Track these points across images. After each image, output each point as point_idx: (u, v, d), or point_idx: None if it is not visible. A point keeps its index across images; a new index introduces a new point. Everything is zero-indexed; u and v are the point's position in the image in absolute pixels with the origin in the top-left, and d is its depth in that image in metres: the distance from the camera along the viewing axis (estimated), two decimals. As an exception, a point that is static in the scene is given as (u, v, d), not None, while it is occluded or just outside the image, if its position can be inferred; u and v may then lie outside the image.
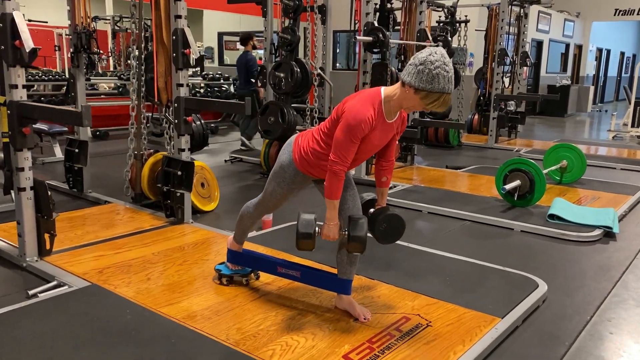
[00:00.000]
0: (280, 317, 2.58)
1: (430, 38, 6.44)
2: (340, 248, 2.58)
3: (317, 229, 2.47)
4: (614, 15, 16.70)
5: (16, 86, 2.99)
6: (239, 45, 15.54)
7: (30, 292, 2.81)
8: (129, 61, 4.83)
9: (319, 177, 2.58)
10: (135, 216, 4.20)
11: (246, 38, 7.52)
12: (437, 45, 7.04)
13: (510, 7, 8.61)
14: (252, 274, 2.99)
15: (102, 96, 9.79)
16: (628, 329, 2.73)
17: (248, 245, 3.37)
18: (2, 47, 2.93)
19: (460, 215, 4.52)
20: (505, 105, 8.85)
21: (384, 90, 2.39)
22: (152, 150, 4.69)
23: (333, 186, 2.38)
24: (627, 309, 2.94)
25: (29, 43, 2.89)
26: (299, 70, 5.67)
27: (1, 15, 2.90)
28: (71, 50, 4.73)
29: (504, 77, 8.90)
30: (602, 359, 2.45)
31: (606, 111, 17.02)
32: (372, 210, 2.64)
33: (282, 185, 2.63)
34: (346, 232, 2.45)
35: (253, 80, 7.23)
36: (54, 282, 2.94)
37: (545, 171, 5.08)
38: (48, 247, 3.24)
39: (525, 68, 10.44)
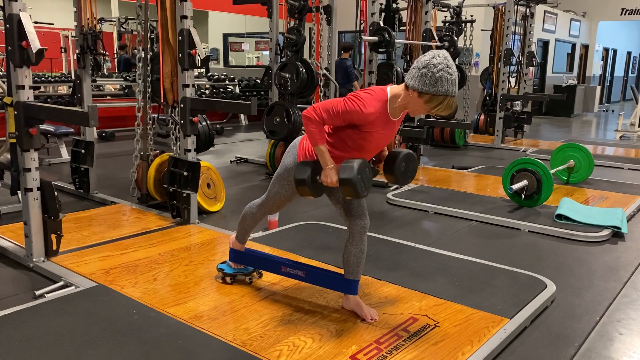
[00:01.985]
0: (287, 318, 2.57)
1: (436, 38, 6.42)
2: (345, 247, 2.57)
3: (318, 177, 2.43)
4: (621, 14, 16.60)
5: (23, 87, 2.99)
6: (243, 47, 15.64)
7: (37, 293, 2.82)
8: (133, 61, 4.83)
9: None
10: (141, 217, 4.21)
11: (348, 47, 8.68)
12: (443, 46, 7.04)
13: (516, 6, 8.58)
14: (255, 273, 2.98)
15: (108, 97, 9.82)
16: (638, 329, 2.71)
17: (254, 246, 3.37)
18: (9, 47, 2.94)
19: (467, 215, 4.50)
20: (511, 105, 8.81)
21: (390, 90, 2.38)
22: (158, 151, 4.69)
23: (311, 132, 2.35)
24: (637, 310, 2.91)
25: (35, 44, 2.89)
26: (304, 70, 5.66)
27: (8, 16, 2.91)
28: (77, 51, 4.74)
29: (510, 77, 8.86)
30: (612, 360, 2.43)
31: (613, 111, 16.92)
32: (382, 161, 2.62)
33: (286, 187, 2.62)
34: None
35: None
36: (61, 283, 2.94)
37: (552, 171, 5.06)
38: (55, 247, 3.25)
39: (531, 68, 10.39)
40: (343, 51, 8.70)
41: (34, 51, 2.90)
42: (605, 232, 4.05)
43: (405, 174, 2.60)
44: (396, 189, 5.36)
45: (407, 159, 2.59)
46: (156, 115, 5.46)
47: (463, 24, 8.89)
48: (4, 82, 3.34)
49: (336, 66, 8.18)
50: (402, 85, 2.34)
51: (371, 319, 2.55)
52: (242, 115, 11.06)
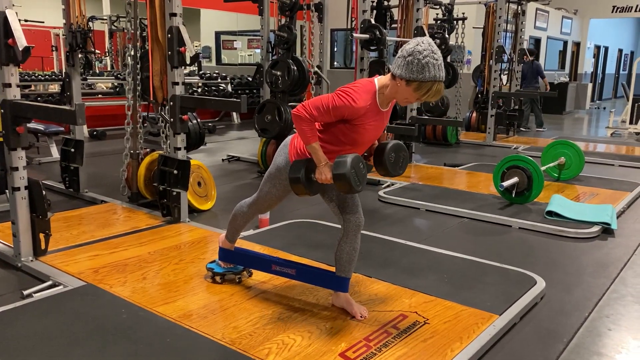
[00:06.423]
0: (277, 316, 2.56)
1: (428, 35, 6.42)
2: (338, 245, 2.56)
3: (313, 175, 2.40)
4: (612, 12, 16.68)
5: (9, 85, 2.96)
6: (235, 45, 15.61)
7: (25, 292, 2.79)
8: (125, 61, 4.80)
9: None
10: (131, 215, 4.19)
11: (532, 52, 10.20)
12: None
13: (507, 4, 8.59)
14: (245, 272, 2.97)
15: (99, 96, 9.77)
16: (626, 325, 2.72)
17: (245, 244, 3.36)
18: (-4, 45, 2.91)
19: (458, 212, 4.51)
20: (502, 103, 8.83)
21: (377, 80, 2.37)
22: (148, 150, 4.67)
23: (303, 130, 2.33)
24: (626, 305, 2.93)
25: (22, 41, 2.86)
26: (295, 68, 5.65)
27: (-6, 13, 2.88)
28: (66, 49, 4.71)
29: (502, 75, 8.88)
30: (600, 355, 2.44)
31: (604, 108, 17.00)
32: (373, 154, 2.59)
33: (277, 187, 2.61)
34: None
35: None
36: (49, 282, 2.92)
37: (543, 168, 5.07)
38: (43, 246, 3.22)
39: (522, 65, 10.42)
40: (530, 55, 9.88)
41: (20, 49, 2.87)
42: (595, 228, 4.07)
43: (395, 165, 2.55)
44: (387, 186, 5.36)
45: (396, 149, 2.55)
46: (146, 114, 5.43)
47: (455, 22, 8.90)
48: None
49: (527, 67, 10.23)
50: (388, 76, 2.33)
51: (361, 317, 2.55)
52: (234, 114, 11.03)
